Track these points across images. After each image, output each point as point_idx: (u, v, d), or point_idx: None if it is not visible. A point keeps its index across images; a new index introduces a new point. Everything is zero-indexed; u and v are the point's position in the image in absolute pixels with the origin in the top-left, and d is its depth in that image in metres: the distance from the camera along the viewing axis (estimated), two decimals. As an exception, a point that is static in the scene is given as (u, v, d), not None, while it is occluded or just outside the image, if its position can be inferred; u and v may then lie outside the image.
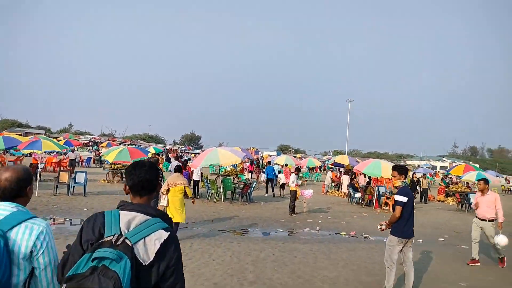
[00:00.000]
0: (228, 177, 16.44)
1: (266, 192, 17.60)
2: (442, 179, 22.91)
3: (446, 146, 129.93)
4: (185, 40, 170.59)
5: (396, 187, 5.67)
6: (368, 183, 16.78)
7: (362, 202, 15.85)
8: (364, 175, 21.05)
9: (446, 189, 21.81)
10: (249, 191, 14.66)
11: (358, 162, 20.91)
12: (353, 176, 19.53)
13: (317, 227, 9.96)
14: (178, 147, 59.19)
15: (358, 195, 16.10)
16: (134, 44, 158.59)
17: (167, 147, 58.45)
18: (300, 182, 12.54)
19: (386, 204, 15.40)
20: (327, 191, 20.81)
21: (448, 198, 20.54)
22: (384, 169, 14.74)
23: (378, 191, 16.11)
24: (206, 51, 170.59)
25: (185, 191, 7.13)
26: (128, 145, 16.73)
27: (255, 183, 15.84)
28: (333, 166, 22.91)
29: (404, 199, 4.83)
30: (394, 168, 5.22)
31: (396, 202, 4.89)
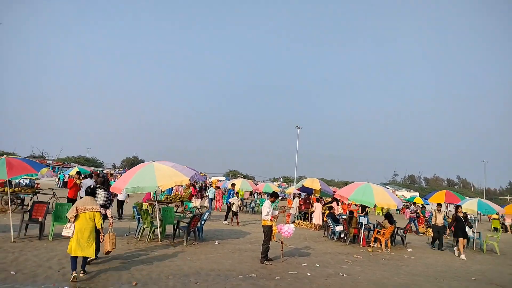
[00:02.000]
0: (169, 206, 12.09)
1: (225, 219, 14.83)
2: (421, 208, 20.59)
3: (386, 174, 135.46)
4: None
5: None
6: (351, 213, 13.32)
7: (346, 238, 12.30)
8: (337, 202, 17.81)
9: (425, 219, 19.24)
10: (199, 225, 10.46)
11: (330, 187, 17.63)
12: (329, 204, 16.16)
13: (313, 290, 6.07)
14: (115, 170, 52.60)
15: (339, 228, 12.54)
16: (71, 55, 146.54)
17: (105, 170, 51.70)
18: (277, 213, 8.65)
19: (376, 240, 12.02)
20: (293, 222, 17.11)
21: (428, 229, 17.85)
22: (377, 195, 11.43)
23: (361, 223, 12.73)
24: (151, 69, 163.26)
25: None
26: (9, 155, 11.46)
27: (207, 213, 11.70)
28: (300, 192, 19.39)
29: None
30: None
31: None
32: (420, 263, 9.45)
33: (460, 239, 11.40)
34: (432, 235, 16.84)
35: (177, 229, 10.16)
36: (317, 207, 15.92)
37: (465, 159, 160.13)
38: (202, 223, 10.76)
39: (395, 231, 12.42)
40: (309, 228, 15.70)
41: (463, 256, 10.96)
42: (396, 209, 29.46)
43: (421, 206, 22.55)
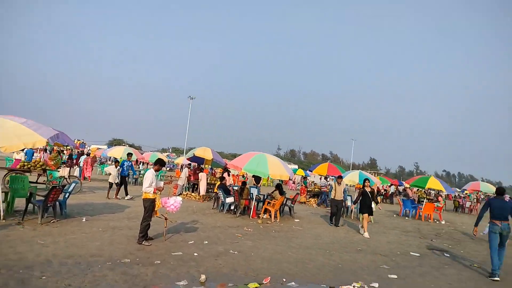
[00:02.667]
0: (23, 175, 9.52)
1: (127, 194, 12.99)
2: (302, 179, 21.64)
3: (272, 148, 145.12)
4: None
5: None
6: (244, 183, 12.77)
7: (236, 210, 11.73)
8: (228, 173, 17.25)
9: (307, 189, 20.25)
10: (61, 198, 8.41)
11: (224, 158, 16.91)
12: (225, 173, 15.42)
13: (202, 276, 5.05)
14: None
15: (230, 200, 11.88)
16: None
17: None
18: (162, 184, 7.28)
19: (265, 211, 11.76)
20: (180, 194, 15.93)
21: (311, 199, 18.86)
22: (272, 165, 11.03)
23: (252, 194, 12.35)
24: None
25: None
26: None
27: (74, 184, 9.59)
28: (190, 162, 18.17)
29: None
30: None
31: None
32: (309, 235, 9.40)
33: (365, 215, 10.17)
34: (316, 203, 17.79)
35: (30, 204, 7.95)
36: (203, 177, 15.06)
37: (337, 138, 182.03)
38: (66, 196, 8.72)
39: (284, 202, 12.38)
40: (198, 200, 14.75)
41: (366, 234, 9.85)
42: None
43: (303, 177, 23.78)
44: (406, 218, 16.27)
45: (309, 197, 19.29)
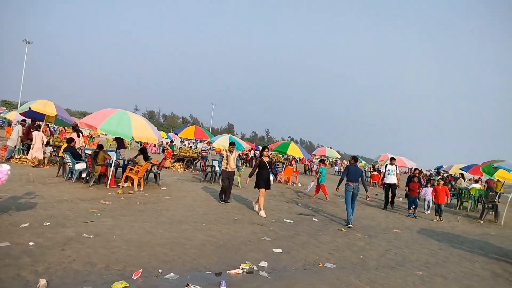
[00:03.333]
0: None
1: None
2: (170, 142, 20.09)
3: (127, 108, 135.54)
4: None
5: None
6: (100, 146, 10.62)
7: (89, 178, 9.72)
8: (78, 134, 14.49)
9: (173, 154, 19.01)
10: None
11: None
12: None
13: (41, 281, 3.51)
14: None
15: (81, 166, 9.76)
16: None
17: None
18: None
19: (126, 179, 10.19)
20: (10, 157, 12.55)
21: (176, 164, 17.78)
22: (136, 126, 9.46)
23: (109, 161, 10.51)
24: None
25: None
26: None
27: None
28: (25, 118, 14.31)
29: None
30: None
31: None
32: (179, 205, 8.44)
33: (262, 190, 8.40)
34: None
35: None
36: (37, 136, 12.24)
37: (197, 101, 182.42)
38: None
39: (150, 168, 10.97)
40: (33, 165, 11.82)
41: (262, 213, 8.34)
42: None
43: (170, 141, 22.33)
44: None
45: (174, 162, 18.17)
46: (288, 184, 16.80)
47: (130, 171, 10.05)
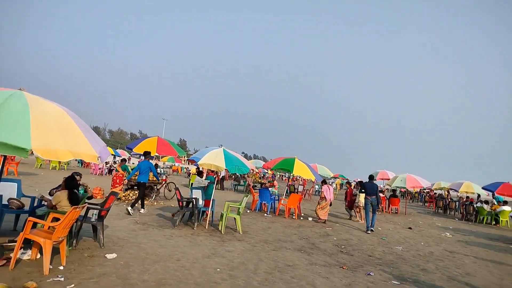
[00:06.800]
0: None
1: None
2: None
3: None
4: None
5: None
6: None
7: None
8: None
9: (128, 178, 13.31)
10: None
11: None
12: None
13: None
14: None
15: None
16: None
17: None
18: None
19: (29, 243, 4.73)
20: None
21: (129, 192, 12.19)
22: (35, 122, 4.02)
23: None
24: None
25: None
26: None
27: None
28: None
29: None
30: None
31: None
32: None
33: None
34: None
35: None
36: None
37: (147, 116, 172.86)
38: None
39: (84, 215, 5.53)
40: None
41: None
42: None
43: (121, 160, 16.42)
44: (265, 215, 12.08)
45: (126, 189, 12.59)
46: (294, 217, 11.98)
47: (35, 228, 4.60)
